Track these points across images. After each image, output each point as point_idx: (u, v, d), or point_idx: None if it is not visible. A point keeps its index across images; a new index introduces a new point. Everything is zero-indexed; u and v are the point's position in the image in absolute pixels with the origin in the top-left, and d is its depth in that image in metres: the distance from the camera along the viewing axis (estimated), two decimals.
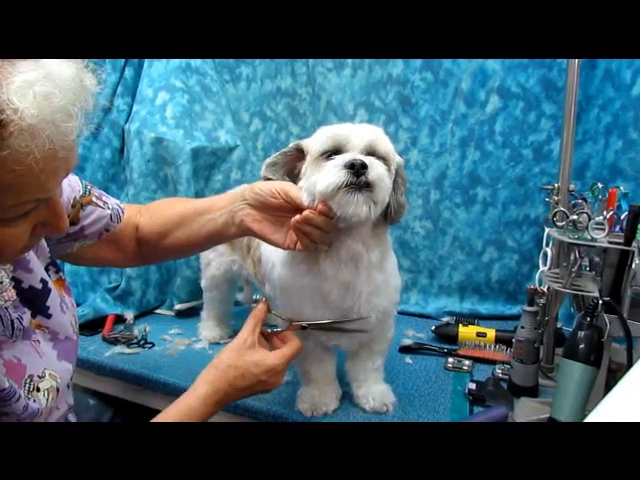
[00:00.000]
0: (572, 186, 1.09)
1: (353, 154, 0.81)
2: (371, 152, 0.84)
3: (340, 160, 0.79)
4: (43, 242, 0.81)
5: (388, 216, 0.88)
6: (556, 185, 1.10)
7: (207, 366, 0.85)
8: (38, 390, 0.71)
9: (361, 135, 0.83)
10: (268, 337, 0.90)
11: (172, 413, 0.77)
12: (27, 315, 0.73)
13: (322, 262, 0.89)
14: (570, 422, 0.79)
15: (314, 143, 0.86)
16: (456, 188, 1.51)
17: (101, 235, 0.92)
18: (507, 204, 1.48)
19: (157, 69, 1.49)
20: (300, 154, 0.89)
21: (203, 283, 1.36)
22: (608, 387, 0.90)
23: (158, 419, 0.77)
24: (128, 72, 1.49)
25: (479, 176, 1.48)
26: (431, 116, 1.47)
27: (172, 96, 1.47)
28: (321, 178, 0.79)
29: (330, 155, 0.83)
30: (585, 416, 0.61)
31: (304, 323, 0.90)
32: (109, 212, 0.92)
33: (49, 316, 0.77)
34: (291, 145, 0.90)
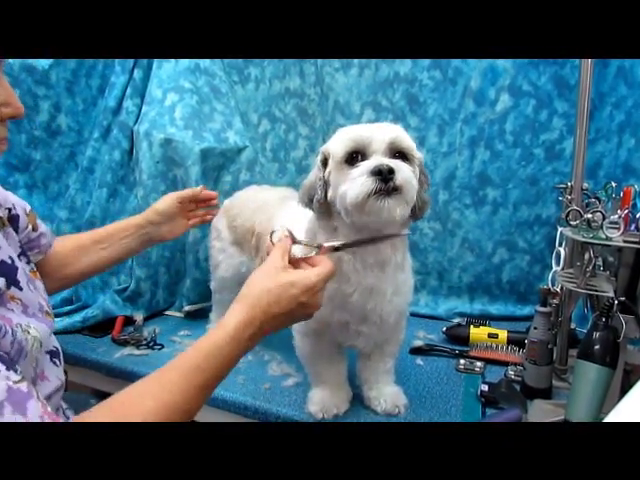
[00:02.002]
0: (586, 185, 1.08)
1: (378, 159, 0.79)
2: (394, 151, 0.82)
3: (366, 167, 0.78)
4: (12, 232, 0.85)
5: (413, 213, 0.87)
6: (569, 184, 1.09)
7: (237, 297, 0.75)
8: (28, 333, 0.71)
9: (383, 135, 0.81)
10: (295, 264, 0.80)
11: (196, 351, 0.70)
12: (2, 280, 0.72)
13: (345, 267, 0.88)
14: (587, 422, 0.77)
15: (335, 147, 0.85)
16: (465, 189, 1.50)
17: (47, 250, 1.01)
18: (518, 204, 1.47)
19: (166, 70, 1.49)
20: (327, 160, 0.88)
21: (212, 285, 1.35)
22: (623, 389, 0.88)
23: (176, 360, 0.70)
24: (137, 73, 1.49)
25: (489, 176, 1.47)
26: (440, 115, 1.46)
27: (181, 97, 1.47)
28: (350, 189, 0.78)
29: (353, 159, 0.82)
30: (601, 419, 0.60)
31: (336, 244, 0.83)
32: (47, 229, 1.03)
33: (21, 289, 0.78)
34: (318, 161, 0.88)
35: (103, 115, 1.49)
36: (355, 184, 0.77)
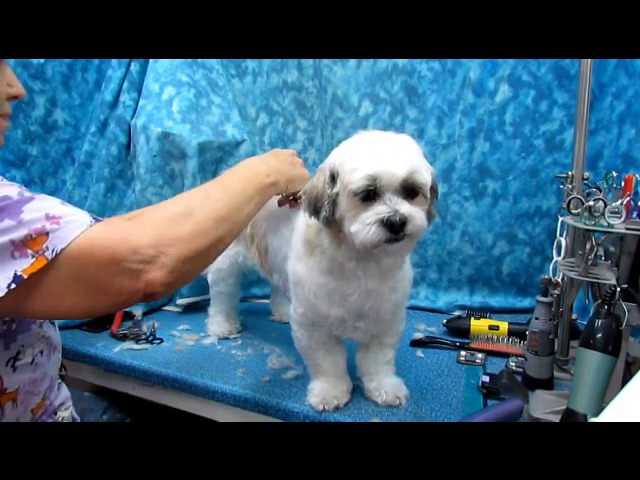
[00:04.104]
0: (587, 174, 1.07)
1: (390, 204, 0.77)
2: (407, 187, 0.80)
3: (377, 216, 0.77)
4: None
5: None
6: (570, 173, 1.08)
7: None
8: None
9: (398, 173, 0.78)
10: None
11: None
12: None
13: (347, 269, 0.88)
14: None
15: (346, 174, 0.80)
16: (465, 181, 1.49)
17: None
18: (518, 196, 1.46)
19: (163, 64, 1.48)
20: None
21: (209, 277, 1.35)
22: (625, 380, 0.87)
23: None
24: (134, 67, 1.49)
25: (489, 168, 1.46)
26: (438, 107, 1.45)
27: (178, 91, 1.45)
28: (360, 232, 0.78)
29: (366, 195, 0.79)
30: (604, 408, 0.59)
31: None
32: None
33: None
34: (326, 176, 0.85)
35: (100, 109, 1.48)
36: (366, 230, 0.77)
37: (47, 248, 0.59)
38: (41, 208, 0.61)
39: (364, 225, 0.78)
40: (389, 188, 0.78)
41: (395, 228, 0.76)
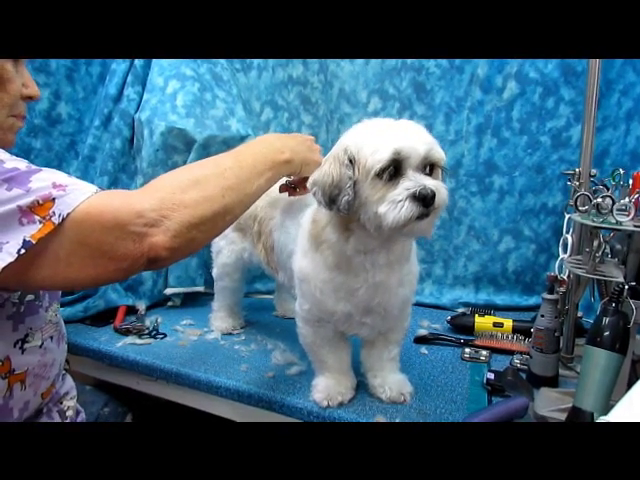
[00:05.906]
0: (594, 171, 1.06)
1: (417, 179, 0.77)
2: (427, 163, 0.80)
3: (408, 191, 0.76)
4: None
5: None
6: (577, 170, 1.07)
7: None
8: None
9: (419, 150, 0.78)
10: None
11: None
12: None
13: (355, 263, 0.87)
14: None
15: (367, 156, 0.79)
16: (472, 176, 1.49)
17: None
18: (524, 192, 1.45)
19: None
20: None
21: (214, 272, 1.34)
22: (631, 378, 0.87)
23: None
24: (138, 61, 1.48)
25: (495, 164, 1.46)
26: (446, 103, 1.45)
27: (183, 85, 1.45)
28: (390, 211, 0.76)
29: (391, 173, 0.78)
30: (611, 406, 0.58)
31: None
32: None
33: None
34: (344, 159, 0.82)
35: (104, 103, 1.48)
36: (397, 208, 0.76)
37: (54, 213, 0.60)
38: (48, 178, 0.63)
39: (395, 203, 0.76)
40: (412, 165, 0.79)
41: (427, 201, 0.76)
